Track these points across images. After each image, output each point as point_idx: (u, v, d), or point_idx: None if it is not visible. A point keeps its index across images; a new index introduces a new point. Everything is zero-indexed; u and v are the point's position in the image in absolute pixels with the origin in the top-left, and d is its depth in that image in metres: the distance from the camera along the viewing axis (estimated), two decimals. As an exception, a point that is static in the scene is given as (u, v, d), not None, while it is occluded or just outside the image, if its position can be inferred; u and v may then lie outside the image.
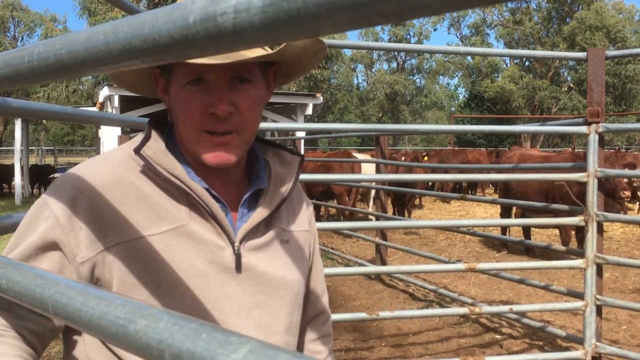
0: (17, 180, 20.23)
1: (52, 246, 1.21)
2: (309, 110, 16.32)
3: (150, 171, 1.27)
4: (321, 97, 17.12)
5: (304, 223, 1.52)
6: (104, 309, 0.65)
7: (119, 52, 0.61)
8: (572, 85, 44.76)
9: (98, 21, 26.50)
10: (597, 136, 4.32)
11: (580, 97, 42.01)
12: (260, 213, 1.34)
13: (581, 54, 4.59)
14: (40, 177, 22.63)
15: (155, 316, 0.60)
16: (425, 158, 15.58)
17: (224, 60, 1.16)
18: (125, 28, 0.59)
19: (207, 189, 1.29)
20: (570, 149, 18.37)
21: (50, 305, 0.73)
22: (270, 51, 1.23)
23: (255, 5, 0.46)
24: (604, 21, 40.98)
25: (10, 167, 21.67)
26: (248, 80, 1.26)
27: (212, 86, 1.23)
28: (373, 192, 13.59)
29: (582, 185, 4.52)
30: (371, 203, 14.05)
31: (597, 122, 4.32)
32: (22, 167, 20.98)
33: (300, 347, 1.58)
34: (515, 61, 46.96)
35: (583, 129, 4.39)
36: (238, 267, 1.29)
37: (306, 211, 1.55)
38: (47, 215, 1.22)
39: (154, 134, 1.31)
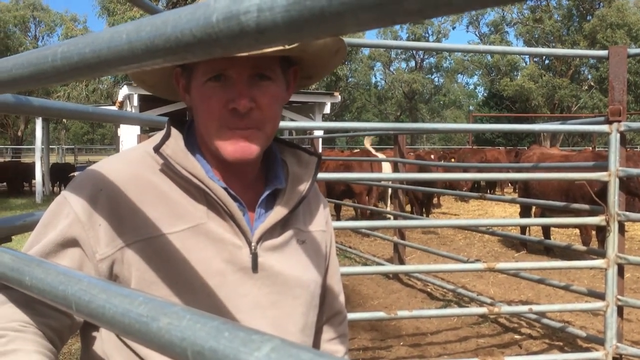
0: (38, 178, 20.44)
1: (71, 243, 1.22)
2: (327, 109, 16.32)
3: (169, 170, 1.27)
4: (339, 96, 17.13)
5: (321, 223, 1.52)
6: (126, 307, 0.66)
7: (142, 51, 0.61)
8: (592, 83, 44.34)
9: (117, 20, 26.70)
10: (618, 135, 4.28)
11: (600, 95, 41.62)
12: (277, 213, 1.34)
13: (602, 52, 4.54)
14: (60, 176, 22.83)
15: (177, 314, 0.60)
16: (453, 160, 15.51)
17: (243, 53, 1.16)
18: (148, 27, 0.59)
19: (225, 189, 1.29)
20: (590, 148, 18.20)
21: (73, 303, 0.73)
22: (288, 46, 1.23)
23: (278, 3, 0.46)
24: (626, 19, 40.52)
25: (32, 166, 21.90)
26: (268, 77, 1.26)
27: (233, 82, 1.23)
28: (390, 191, 13.57)
29: (603, 185, 4.47)
30: (389, 202, 14.03)
31: (619, 121, 4.27)
32: (42, 166, 21.19)
33: (316, 347, 1.58)
34: (534, 59, 46.61)
35: (604, 127, 4.34)
36: (254, 266, 1.30)
37: (323, 211, 1.55)
38: (67, 212, 1.23)
39: (173, 132, 1.31)
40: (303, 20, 0.46)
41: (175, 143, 1.29)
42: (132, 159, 1.32)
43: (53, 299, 0.78)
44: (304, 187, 1.40)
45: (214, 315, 0.59)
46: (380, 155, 14.32)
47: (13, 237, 2.15)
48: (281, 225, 1.36)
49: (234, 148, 1.25)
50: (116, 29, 0.64)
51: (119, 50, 0.64)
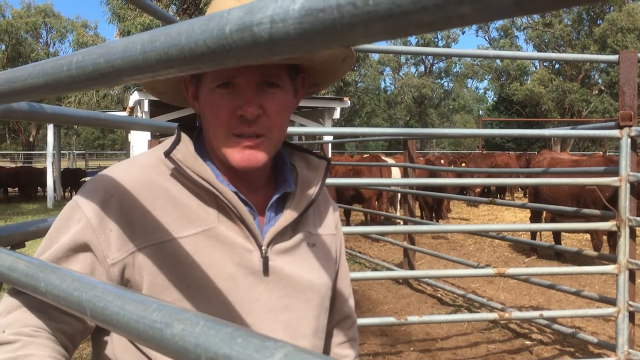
0: (49, 183, 20.55)
1: (83, 248, 1.22)
2: (337, 114, 16.32)
3: (179, 174, 1.28)
4: (348, 101, 17.12)
5: (331, 227, 1.53)
6: (141, 313, 0.66)
7: (156, 61, 0.62)
8: (603, 87, 44.12)
9: (127, 27, 26.82)
10: (629, 140, 4.26)
11: (611, 99, 41.39)
12: (287, 216, 1.35)
13: (613, 57, 4.53)
14: (71, 181, 22.95)
15: (191, 320, 0.61)
16: (463, 164, 15.46)
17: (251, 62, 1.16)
18: (163, 38, 0.60)
19: (235, 193, 1.30)
20: (601, 153, 18.11)
21: (88, 309, 0.74)
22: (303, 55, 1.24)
23: (291, 15, 0.47)
24: (636, 23, 40.28)
25: (44, 171, 22.02)
26: (276, 85, 1.27)
27: (241, 90, 1.24)
28: (399, 196, 13.56)
29: (614, 190, 4.45)
30: (398, 207, 14.00)
31: (630, 126, 4.26)
32: (54, 171, 21.31)
33: (326, 350, 1.58)
34: (544, 64, 46.44)
35: (615, 132, 4.33)
36: (265, 270, 1.30)
37: (333, 215, 1.56)
38: (79, 217, 1.24)
39: (183, 137, 1.33)
40: (315, 32, 0.46)
41: (186, 148, 1.30)
42: (143, 164, 1.33)
43: (68, 305, 0.79)
44: (313, 190, 1.40)
45: (227, 322, 0.60)
46: (390, 161, 14.31)
47: (26, 242, 2.16)
48: (291, 229, 1.37)
49: (241, 156, 1.26)
50: (131, 39, 0.65)
51: (133, 60, 0.64)
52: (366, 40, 0.46)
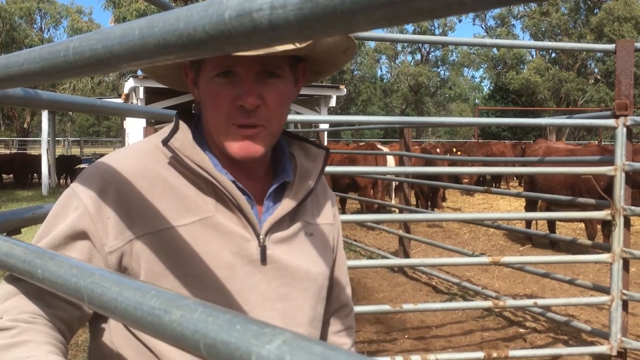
0: (44, 170, 20.50)
1: (81, 235, 1.22)
2: (333, 102, 16.31)
3: (177, 163, 1.28)
4: (345, 89, 17.09)
5: (329, 216, 1.53)
6: (139, 299, 0.66)
7: (154, 47, 0.61)
8: (599, 77, 44.16)
9: (122, 13, 26.67)
10: (625, 129, 4.27)
11: (607, 89, 41.46)
12: (285, 206, 1.35)
13: (610, 46, 4.52)
14: (66, 168, 22.91)
15: (189, 307, 0.61)
16: (459, 153, 15.45)
17: (253, 52, 1.16)
18: (161, 24, 0.60)
19: (233, 182, 1.30)
20: (596, 142, 18.14)
21: (85, 295, 0.74)
22: (299, 45, 1.23)
23: (291, 2, 0.47)
24: (633, 12, 40.23)
25: (39, 158, 21.97)
26: (276, 75, 1.26)
27: (241, 79, 1.24)
28: (394, 184, 13.58)
29: (609, 179, 4.47)
30: (393, 195, 14.03)
31: (626, 115, 4.26)
32: (48, 158, 21.26)
33: (323, 339, 1.60)
34: (541, 53, 46.41)
35: (611, 122, 4.33)
36: (263, 259, 1.31)
37: (330, 205, 1.56)
38: (76, 204, 1.24)
39: (181, 125, 1.32)
40: (315, 18, 0.46)
41: (184, 136, 1.30)
42: (141, 152, 1.32)
43: (66, 291, 0.79)
44: (312, 180, 1.41)
45: (225, 309, 0.60)
46: (386, 149, 14.31)
47: (22, 229, 2.16)
48: (289, 218, 1.38)
49: (239, 146, 1.26)
50: (129, 25, 0.65)
51: (131, 46, 0.64)
52: (366, 28, 0.46)
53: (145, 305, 0.66)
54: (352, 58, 1.41)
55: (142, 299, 0.66)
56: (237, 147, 1.26)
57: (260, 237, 1.31)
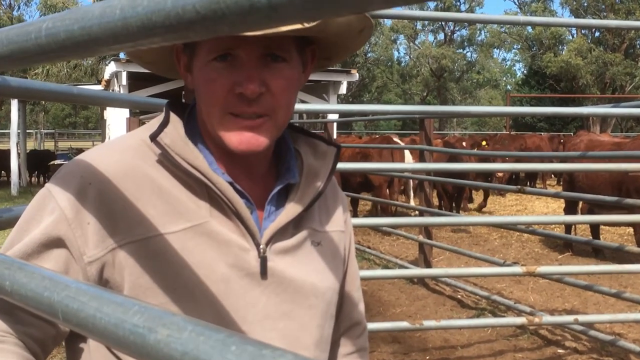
0: (14, 167, 20.55)
1: (56, 243, 1.22)
2: (343, 89, 16.31)
3: (167, 161, 1.27)
4: (357, 74, 17.10)
5: (339, 223, 1.52)
6: (120, 316, 0.67)
7: (138, 28, 0.61)
8: (650, 59, 43.95)
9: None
10: (679, 120, 4.25)
11: (659, 73, 41.26)
12: (289, 211, 1.34)
13: (662, 24, 4.50)
14: (39, 164, 23.00)
15: (178, 325, 0.61)
16: (484, 143, 15.40)
17: (255, 32, 1.14)
18: (145, 2, 0.60)
19: (230, 183, 1.29)
20: (647, 134, 18.07)
21: (59, 311, 0.74)
22: (308, 25, 1.21)
23: (294, -24, 0.47)
24: (690, -16, 40.05)
25: (7, 153, 22.00)
26: (282, 58, 1.25)
27: (242, 63, 1.23)
28: (411, 182, 13.58)
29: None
30: (412, 195, 14.02)
31: (680, 104, 4.25)
32: (19, 153, 21.33)
33: (332, 362, 1.59)
34: (582, 32, 46.21)
35: (663, 111, 4.32)
36: (263, 272, 1.30)
37: (341, 209, 1.55)
38: (52, 208, 1.23)
39: (172, 118, 1.31)
40: (322, -5, 0.46)
41: (175, 130, 1.29)
42: (126, 148, 1.32)
43: (37, 306, 0.79)
44: (320, 181, 1.39)
45: (219, 327, 0.60)
46: (403, 143, 14.30)
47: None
48: (294, 225, 1.37)
49: (240, 139, 1.25)
50: (109, 3, 0.65)
51: (111, 27, 0.64)
52: (381, 6, 0.46)
53: (127, 323, 0.66)
54: (368, 40, 1.40)
55: (123, 315, 0.66)
56: (236, 140, 1.25)
57: (261, 246, 1.30)
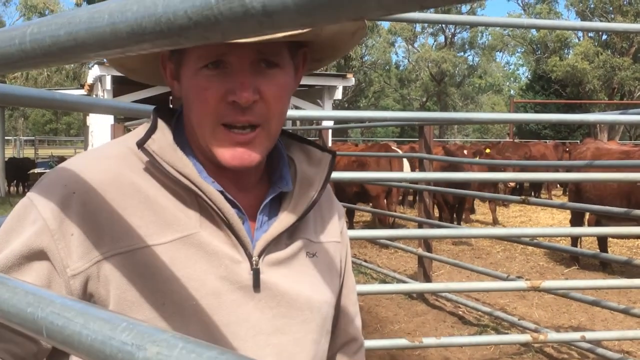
0: (-9, 176, 20.50)
1: (38, 255, 1.22)
2: (338, 94, 16.32)
3: (155, 169, 1.28)
4: (353, 78, 17.10)
5: (335, 233, 1.53)
6: (107, 333, 0.67)
7: (127, 34, 0.62)
8: (660, 64, 44.11)
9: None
10: (690, 127, 4.28)
11: (670, 78, 41.41)
12: (283, 221, 1.35)
13: (671, 27, 4.53)
14: (18, 173, 22.92)
15: (168, 342, 0.61)
16: (488, 151, 15.42)
17: (248, 39, 1.14)
18: (135, 7, 0.61)
19: (221, 192, 1.29)
20: (657, 142, 18.13)
21: (44, 327, 0.74)
22: (304, 30, 1.22)
23: (289, -18, 0.48)
24: (701, -15, 40.26)
25: (-16, 161, 21.97)
26: (275, 64, 1.26)
27: (233, 70, 1.23)
28: (411, 192, 13.57)
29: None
30: (404, 205, 14.02)
31: (691, 111, 4.27)
32: (-4, 161, 21.27)
33: (327, 380, 1.59)
34: (589, 35, 46.39)
35: (673, 118, 4.34)
36: (256, 285, 1.30)
37: (337, 219, 1.56)
38: (34, 218, 1.23)
39: (160, 124, 1.31)
40: (318, 3, 0.47)
41: (163, 137, 1.29)
42: (112, 156, 1.32)
43: (20, 322, 0.79)
44: (314, 190, 1.40)
45: (211, 344, 0.60)
46: (402, 151, 14.31)
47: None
48: (288, 236, 1.37)
49: (232, 155, 1.26)
50: (97, 8, 0.66)
51: (99, 33, 0.65)
52: (377, 13, 0.47)
53: (114, 340, 0.66)
54: (361, 41, 1.41)
55: (111, 332, 0.67)
56: (229, 156, 1.26)
57: (253, 258, 1.30)
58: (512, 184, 15.47)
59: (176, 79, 1.34)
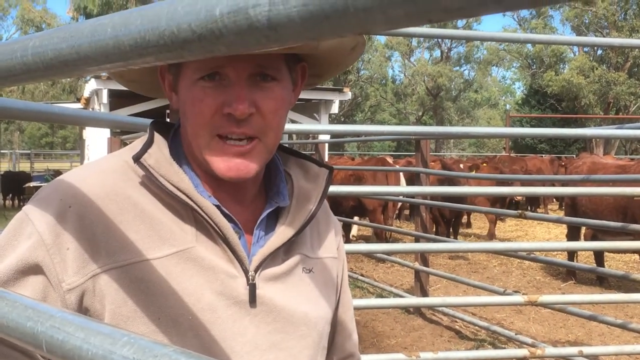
0: (-14, 189, 20.48)
1: (34, 269, 1.21)
2: (335, 108, 16.33)
3: (151, 183, 1.28)
4: (349, 92, 17.13)
5: (332, 248, 1.53)
6: (108, 347, 0.66)
7: (130, 47, 0.62)
8: (655, 78, 44.27)
9: (83, 1, 26.87)
10: (687, 142, 4.29)
11: (665, 93, 41.57)
12: (279, 236, 1.35)
13: (667, 42, 4.55)
14: (14, 186, 22.90)
15: (169, 357, 0.61)
16: (484, 165, 15.45)
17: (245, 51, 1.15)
18: (139, 20, 0.61)
19: (217, 206, 1.29)
20: (652, 157, 18.19)
21: (44, 342, 0.74)
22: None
23: (294, -4, 0.48)
24: (696, 1, 40.49)
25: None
26: (272, 77, 1.27)
27: (230, 83, 1.24)
28: (408, 206, 13.57)
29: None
30: (399, 218, 14.02)
31: (687, 125, 4.28)
32: (-8, 175, 21.25)
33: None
34: (585, 49, 46.57)
35: (670, 133, 4.35)
36: (252, 300, 1.30)
37: (334, 234, 1.56)
38: (29, 232, 1.23)
39: (157, 138, 1.31)
40: (323, 16, 0.47)
41: (159, 151, 1.29)
42: (108, 170, 1.32)
43: (19, 337, 0.79)
44: (311, 205, 1.40)
45: (210, 359, 0.60)
46: (398, 165, 14.33)
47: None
48: (284, 251, 1.37)
49: (228, 165, 1.26)
50: (100, 21, 0.66)
51: (102, 46, 0.64)
52: (383, 27, 0.47)
53: (116, 355, 0.66)
54: (360, 57, 1.42)
55: (112, 347, 0.66)
56: (224, 167, 1.26)
57: (249, 273, 1.30)
58: (519, 198, 15.46)
59: (174, 91, 1.34)
